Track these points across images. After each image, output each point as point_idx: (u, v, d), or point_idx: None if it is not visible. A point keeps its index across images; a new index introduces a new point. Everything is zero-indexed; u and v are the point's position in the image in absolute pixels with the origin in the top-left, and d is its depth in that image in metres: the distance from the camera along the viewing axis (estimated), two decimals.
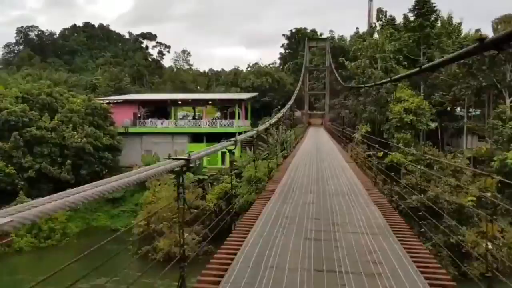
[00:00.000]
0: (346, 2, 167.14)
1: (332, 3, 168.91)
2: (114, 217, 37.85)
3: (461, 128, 46.40)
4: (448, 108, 50.19)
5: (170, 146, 51.12)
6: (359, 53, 49.56)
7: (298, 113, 66.92)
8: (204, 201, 29.62)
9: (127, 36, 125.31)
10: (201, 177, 41.10)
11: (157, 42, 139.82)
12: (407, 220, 8.25)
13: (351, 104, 49.11)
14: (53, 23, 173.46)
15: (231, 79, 72.56)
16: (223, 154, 50.96)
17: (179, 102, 55.44)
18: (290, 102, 39.67)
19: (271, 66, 70.38)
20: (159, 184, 30.99)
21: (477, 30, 55.70)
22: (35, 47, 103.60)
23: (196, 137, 52.15)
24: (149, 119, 52.20)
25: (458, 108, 51.84)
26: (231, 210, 9.05)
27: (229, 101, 53.81)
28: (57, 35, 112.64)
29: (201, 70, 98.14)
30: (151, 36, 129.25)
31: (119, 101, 53.09)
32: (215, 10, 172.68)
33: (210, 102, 56.39)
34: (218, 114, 63.34)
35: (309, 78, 60.35)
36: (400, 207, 11.86)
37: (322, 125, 60.10)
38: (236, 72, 72.31)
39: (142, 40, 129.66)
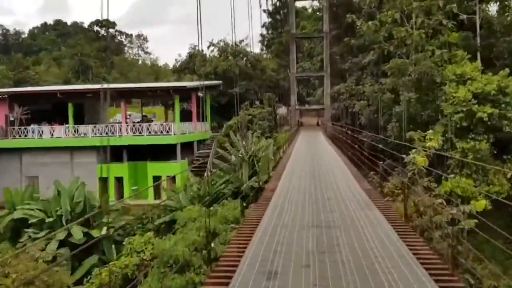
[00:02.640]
0: None
1: None
2: None
3: None
4: None
5: (68, 169, 30.83)
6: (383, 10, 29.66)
7: (282, 110, 46.77)
8: None
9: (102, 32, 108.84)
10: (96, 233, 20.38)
11: (116, 31, 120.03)
12: None
13: (370, 91, 29.05)
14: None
15: (185, 64, 52.23)
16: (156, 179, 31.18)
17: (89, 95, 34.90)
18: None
19: (243, 43, 50.31)
20: None
21: None
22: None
23: (113, 153, 31.65)
24: (33, 125, 31.65)
25: None
26: None
27: (166, 93, 33.28)
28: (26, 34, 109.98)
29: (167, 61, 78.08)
30: (110, 24, 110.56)
31: None
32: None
33: (157, 94, 36.01)
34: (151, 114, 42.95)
35: (300, 58, 40.28)
36: None
37: (318, 126, 40.57)
38: (192, 54, 51.79)
39: (99, 29, 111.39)
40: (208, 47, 50.17)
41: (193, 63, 49.42)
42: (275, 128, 36.68)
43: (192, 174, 32.22)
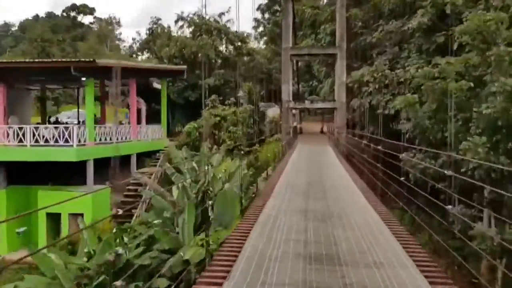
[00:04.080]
0: None
1: None
2: None
3: None
4: None
5: None
6: None
7: (274, 111, 33.46)
8: None
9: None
10: None
11: (95, 18, 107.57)
12: None
13: (422, 75, 15.82)
14: None
15: (144, 44, 38.95)
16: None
17: None
18: None
19: (225, 19, 37.01)
20: None
21: None
22: None
23: None
24: None
25: None
26: None
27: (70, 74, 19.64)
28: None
29: None
30: (88, 10, 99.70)
31: None
32: None
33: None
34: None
35: (299, 38, 27.10)
36: None
37: (323, 135, 28.01)
38: (154, 30, 38.36)
39: (76, 15, 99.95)
40: (176, 21, 36.99)
41: (154, 42, 36.30)
42: (259, 138, 23.71)
43: (115, 209, 19.17)
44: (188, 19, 36.57)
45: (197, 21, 35.62)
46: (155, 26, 37.59)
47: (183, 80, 32.52)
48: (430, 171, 15.30)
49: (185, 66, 29.47)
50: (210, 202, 13.79)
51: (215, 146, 21.56)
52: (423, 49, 18.97)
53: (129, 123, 31.99)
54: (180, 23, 36.69)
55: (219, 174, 16.01)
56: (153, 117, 29.87)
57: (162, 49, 33.51)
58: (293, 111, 47.17)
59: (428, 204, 9.68)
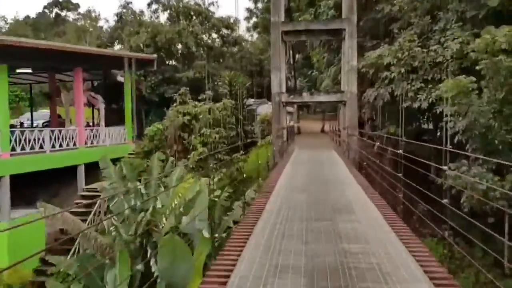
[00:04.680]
0: None
1: None
2: None
3: None
4: None
5: None
6: None
7: (262, 109, 28.09)
8: None
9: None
10: None
11: (79, 14, 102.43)
12: None
13: (483, 46, 10.25)
14: None
15: (113, 32, 33.36)
16: None
17: None
18: None
19: (205, 1, 31.37)
20: None
21: None
22: None
23: None
24: None
25: None
26: None
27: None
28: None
29: None
30: (72, 6, 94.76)
31: None
32: None
33: None
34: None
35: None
36: None
37: (326, 135, 23.62)
38: (122, 15, 32.58)
39: (59, 12, 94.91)
40: (150, 4, 31.41)
41: (122, 30, 30.74)
42: (245, 141, 18.24)
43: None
44: (163, 1, 31.03)
45: (174, 3, 30.09)
46: (124, 11, 31.95)
47: (154, 72, 27.09)
48: (496, 193, 9.98)
49: (155, 55, 24.01)
50: (157, 248, 8.55)
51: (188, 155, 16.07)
52: (467, 17, 13.52)
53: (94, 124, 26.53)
54: (154, 6, 31.18)
55: (174, 201, 10.65)
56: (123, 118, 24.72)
57: (131, 38, 28.03)
58: (290, 108, 41.94)
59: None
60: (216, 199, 11.51)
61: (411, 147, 10.73)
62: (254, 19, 54.89)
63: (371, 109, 18.25)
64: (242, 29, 53.12)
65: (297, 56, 46.75)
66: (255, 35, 53.99)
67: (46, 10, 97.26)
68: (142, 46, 27.72)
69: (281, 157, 14.80)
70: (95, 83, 27.78)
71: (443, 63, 13.60)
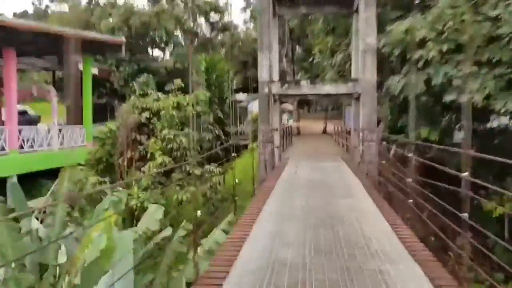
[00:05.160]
0: None
1: None
2: None
3: None
4: None
5: None
6: None
7: (254, 106, 23.80)
8: None
9: None
10: None
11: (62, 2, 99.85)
12: None
13: None
14: None
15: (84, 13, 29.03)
16: None
17: None
18: None
19: None
20: None
21: None
22: None
23: None
24: None
25: None
26: None
27: None
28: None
29: None
30: None
31: None
32: None
33: None
34: None
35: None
36: None
37: (329, 137, 19.23)
38: None
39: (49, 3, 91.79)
40: None
41: (92, 13, 26.39)
42: (227, 145, 13.99)
43: None
44: None
45: None
46: None
47: (129, 61, 22.81)
48: None
49: (122, 38, 19.66)
50: None
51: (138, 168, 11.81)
52: None
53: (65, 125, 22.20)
54: None
55: (84, 253, 6.37)
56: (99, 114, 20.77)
57: (102, 21, 23.74)
58: (289, 106, 37.51)
59: None
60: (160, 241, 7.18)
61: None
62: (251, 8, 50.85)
63: (391, 105, 13.89)
64: (240, 25, 48.93)
65: (297, 48, 42.40)
66: (252, 26, 50.02)
67: (37, 3, 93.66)
68: (114, 31, 23.54)
69: (268, 178, 10.48)
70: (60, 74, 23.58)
71: (504, 37, 9.27)
